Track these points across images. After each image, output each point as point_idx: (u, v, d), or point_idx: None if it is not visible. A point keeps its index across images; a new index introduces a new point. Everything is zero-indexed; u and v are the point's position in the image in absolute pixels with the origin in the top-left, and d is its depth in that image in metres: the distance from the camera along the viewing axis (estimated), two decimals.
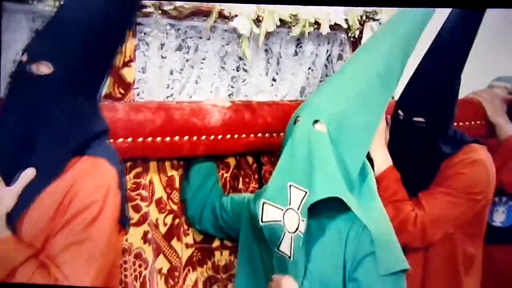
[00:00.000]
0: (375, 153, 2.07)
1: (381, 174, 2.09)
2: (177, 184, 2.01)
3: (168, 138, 1.87)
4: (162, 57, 2.02)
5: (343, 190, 1.69)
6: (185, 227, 2.05)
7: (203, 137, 1.92)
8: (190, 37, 2.06)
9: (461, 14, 2.10)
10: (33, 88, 1.55)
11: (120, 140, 1.78)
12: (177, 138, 1.88)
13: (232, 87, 2.22)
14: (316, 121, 1.71)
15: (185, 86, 2.10)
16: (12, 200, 1.52)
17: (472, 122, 2.47)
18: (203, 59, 2.11)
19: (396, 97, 2.23)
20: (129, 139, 1.80)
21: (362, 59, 1.85)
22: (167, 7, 1.89)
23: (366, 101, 1.76)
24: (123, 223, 1.64)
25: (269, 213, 1.75)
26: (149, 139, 1.84)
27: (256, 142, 2.03)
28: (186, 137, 1.89)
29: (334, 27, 2.28)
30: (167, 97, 2.07)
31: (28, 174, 1.53)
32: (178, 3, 1.87)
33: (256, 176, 2.19)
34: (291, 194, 1.71)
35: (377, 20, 2.37)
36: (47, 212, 1.53)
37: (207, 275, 2.10)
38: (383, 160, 2.12)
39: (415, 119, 2.13)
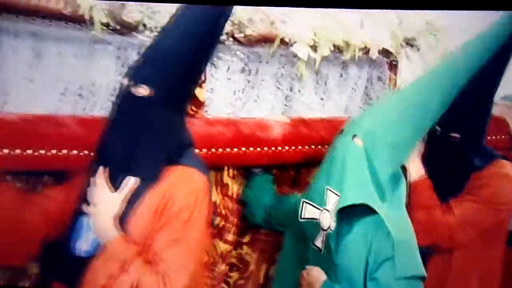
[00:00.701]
0: (410, 164, 2.21)
1: (415, 182, 2.27)
2: (229, 192, 2.20)
3: (236, 149, 2.08)
4: (228, 79, 2.22)
5: (373, 198, 1.88)
6: (233, 227, 2.23)
7: (266, 149, 2.14)
8: (251, 61, 2.25)
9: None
10: (134, 107, 1.73)
11: (197, 150, 1.94)
12: (244, 149, 2.10)
13: (286, 105, 2.40)
14: (354, 136, 1.92)
15: (245, 104, 2.28)
16: (119, 204, 1.71)
17: (498, 136, 2.63)
18: (262, 80, 2.30)
19: None
20: (205, 150, 2.01)
21: (406, 96, 2.02)
22: (238, 35, 2.09)
23: (404, 127, 1.94)
24: (212, 222, 1.83)
25: (308, 211, 1.97)
26: (220, 149, 2.05)
27: (311, 153, 2.24)
28: (252, 148, 2.11)
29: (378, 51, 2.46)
30: (229, 113, 2.25)
31: (134, 182, 1.72)
32: (247, 31, 2.08)
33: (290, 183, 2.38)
34: (327, 196, 1.92)
35: (415, 46, 2.55)
36: (147, 215, 1.71)
37: (229, 261, 2.28)
38: (417, 170, 2.29)
39: (451, 134, 2.29)
